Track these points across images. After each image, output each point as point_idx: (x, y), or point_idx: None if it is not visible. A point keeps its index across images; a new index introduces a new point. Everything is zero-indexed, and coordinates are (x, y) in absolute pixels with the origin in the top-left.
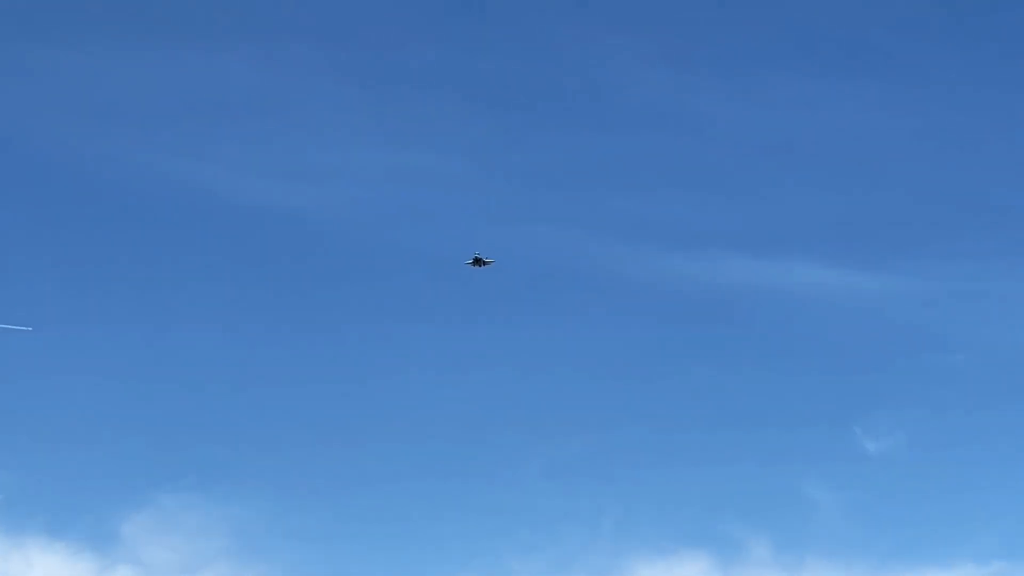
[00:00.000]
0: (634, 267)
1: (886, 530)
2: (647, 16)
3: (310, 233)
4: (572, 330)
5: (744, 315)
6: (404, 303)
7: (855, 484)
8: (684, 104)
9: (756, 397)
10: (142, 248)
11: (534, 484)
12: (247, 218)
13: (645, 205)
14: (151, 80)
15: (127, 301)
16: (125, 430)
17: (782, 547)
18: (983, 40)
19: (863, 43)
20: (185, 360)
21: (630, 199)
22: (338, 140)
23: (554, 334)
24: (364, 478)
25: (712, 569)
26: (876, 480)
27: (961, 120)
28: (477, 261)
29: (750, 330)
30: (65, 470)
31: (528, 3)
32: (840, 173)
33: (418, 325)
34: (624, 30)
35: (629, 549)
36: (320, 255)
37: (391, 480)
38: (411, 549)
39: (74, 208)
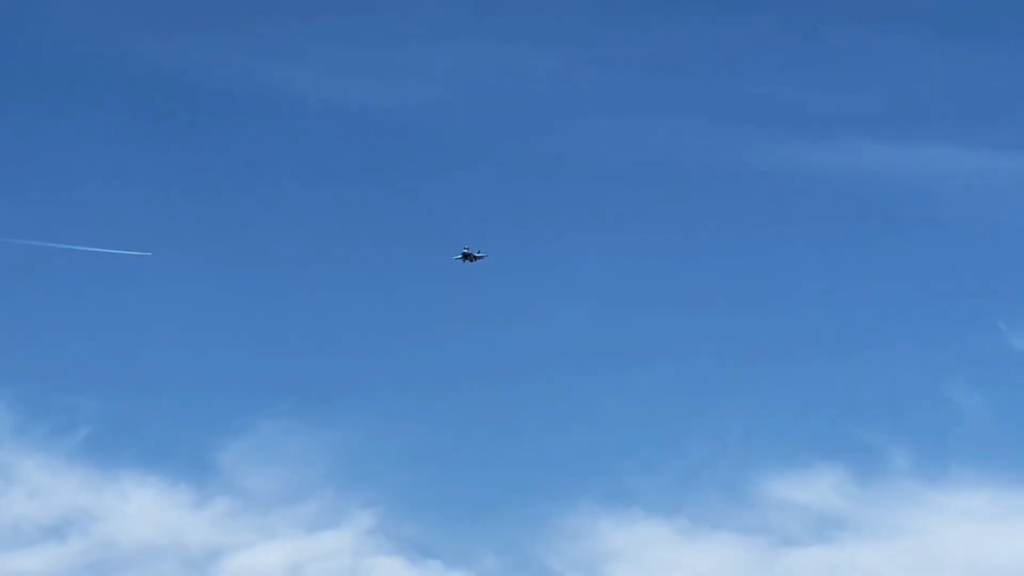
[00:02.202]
0: (758, 157)
1: None
2: None
3: (405, 134)
4: (692, 228)
5: (879, 205)
6: (508, 204)
7: (1002, 384)
8: None
9: (892, 293)
10: (241, 159)
11: (655, 395)
12: (339, 120)
13: (769, 88)
14: None
15: (227, 223)
16: (221, 355)
17: (923, 455)
18: None
19: None
20: (281, 282)
21: (753, 82)
22: (425, 34)
23: (673, 233)
24: (475, 395)
25: (848, 481)
26: None
27: None
28: (466, 256)
29: (886, 221)
30: (160, 398)
31: None
32: (986, 45)
33: (523, 229)
34: None
35: (758, 462)
36: (417, 157)
37: (505, 395)
38: (527, 468)
39: (174, 123)
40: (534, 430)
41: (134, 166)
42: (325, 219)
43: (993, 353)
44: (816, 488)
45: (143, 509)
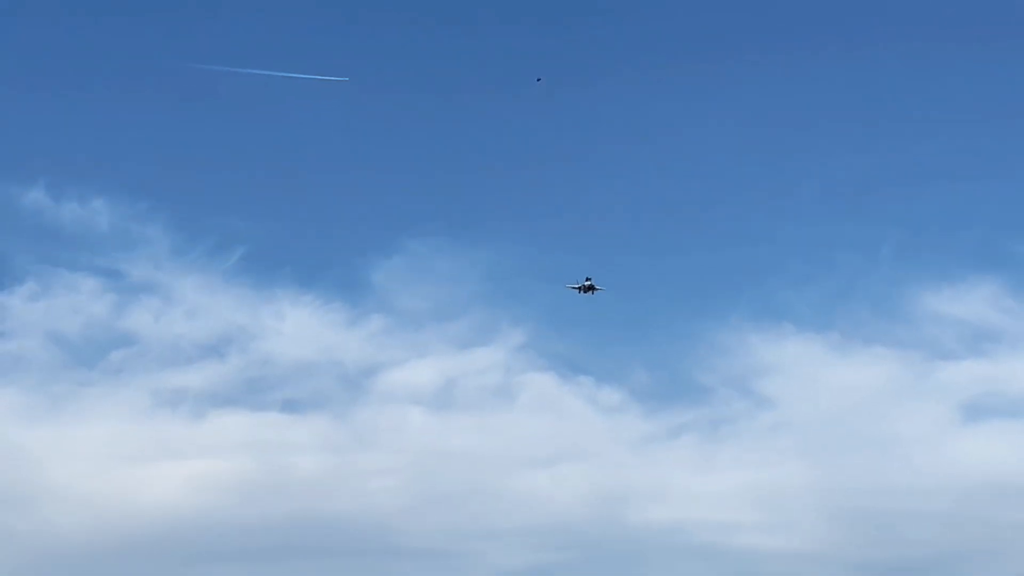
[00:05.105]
0: None
1: None
2: None
3: None
4: (849, 43)
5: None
6: (672, 27)
7: None
8: None
9: None
10: None
11: (806, 208)
12: None
13: None
14: None
15: (422, 52)
16: (377, 178)
17: None
18: None
19: None
20: (449, 109)
21: None
22: None
23: (833, 48)
24: (624, 216)
25: (1003, 294)
26: None
27: None
28: (585, 288)
29: None
30: (313, 219)
31: None
32: None
33: (680, 53)
34: None
35: (910, 276)
36: None
37: (654, 214)
38: (677, 284)
39: None
40: (685, 248)
41: None
42: (500, 52)
43: None
44: (970, 301)
45: (299, 327)
